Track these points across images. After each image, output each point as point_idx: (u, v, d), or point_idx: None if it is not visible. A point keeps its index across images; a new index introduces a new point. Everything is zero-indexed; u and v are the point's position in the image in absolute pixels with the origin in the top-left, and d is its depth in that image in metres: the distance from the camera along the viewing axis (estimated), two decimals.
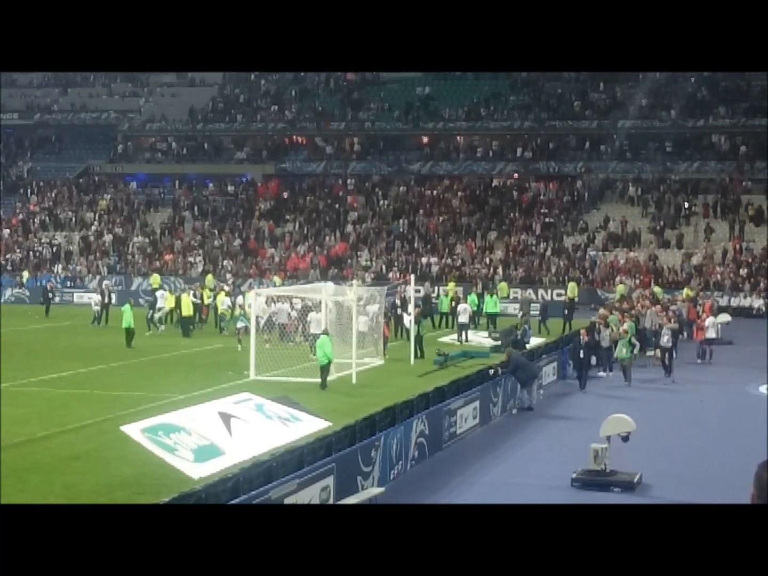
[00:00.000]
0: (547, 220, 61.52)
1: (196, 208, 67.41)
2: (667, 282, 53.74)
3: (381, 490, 16.72)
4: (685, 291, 48.01)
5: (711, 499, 14.60)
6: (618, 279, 54.37)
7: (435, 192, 65.31)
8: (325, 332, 27.33)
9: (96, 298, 43.96)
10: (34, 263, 61.94)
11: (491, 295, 42.80)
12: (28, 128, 77.27)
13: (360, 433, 17.37)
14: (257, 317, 30.69)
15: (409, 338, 33.02)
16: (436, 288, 51.49)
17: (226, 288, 45.13)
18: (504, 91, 70.70)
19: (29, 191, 71.68)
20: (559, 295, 51.63)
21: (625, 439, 18.51)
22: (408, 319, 33.99)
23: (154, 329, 39.52)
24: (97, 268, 61.26)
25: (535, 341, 33.79)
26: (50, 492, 15.58)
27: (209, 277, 52.99)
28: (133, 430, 17.32)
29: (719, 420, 25.14)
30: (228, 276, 55.22)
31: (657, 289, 48.65)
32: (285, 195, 67.88)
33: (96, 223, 66.99)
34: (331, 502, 15.42)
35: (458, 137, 69.53)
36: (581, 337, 30.63)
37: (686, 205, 60.77)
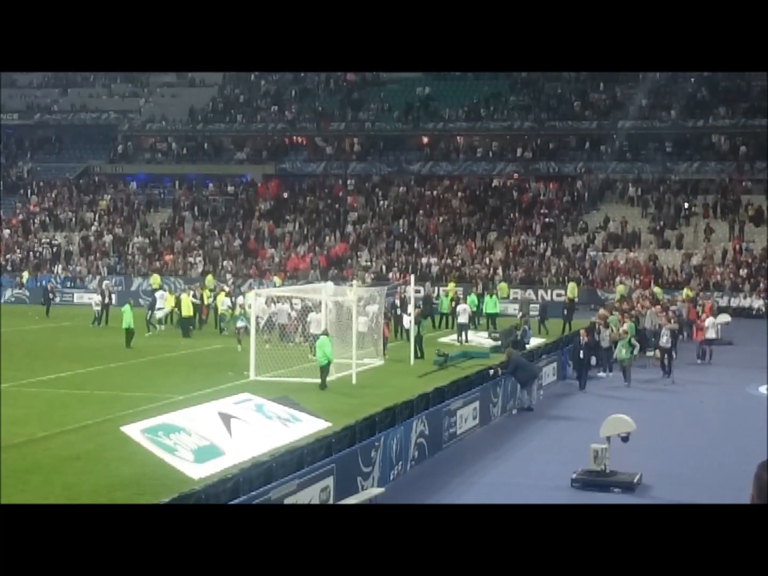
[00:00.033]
0: (547, 220, 61.47)
1: (196, 208, 67.37)
2: (667, 282, 53.70)
3: (381, 490, 16.69)
4: (685, 291, 47.95)
5: (711, 499, 14.59)
6: (618, 279, 54.30)
7: (435, 192, 65.27)
8: (325, 333, 27.34)
9: (96, 298, 43.93)
10: (34, 263, 61.90)
11: (491, 296, 42.81)
12: (28, 128, 77.20)
13: (360, 434, 17.35)
14: (257, 317, 30.67)
15: (408, 339, 33.00)
16: (436, 288, 51.50)
17: (226, 288, 45.11)
18: (504, 91, 70.65)
19: (29, 191, 71.62)
20: (558, 295, 51.56)
21: (625, 439, 18.49)
22: (408, 320, 33.98)
23: (153, 330, 39.51)
24: (97, 269, 61.22)
25: (534, 341, 33.79)
26: (50, 492, 15.57)
27: (209, 277, 52.96)
28: (133, 430, 17.33)
29: (719, 420, 25.12)
30: (228, 276, 55.15)
31: (657, 290, 48.62)
32: (285, 195, 67.86)
33: (96, 223, 66.94)
34: (331, 502, 15.41)
35: (458, 137, 69.48)
36: (581, 337, 30.62)
37: (686, 205, 60.71)
